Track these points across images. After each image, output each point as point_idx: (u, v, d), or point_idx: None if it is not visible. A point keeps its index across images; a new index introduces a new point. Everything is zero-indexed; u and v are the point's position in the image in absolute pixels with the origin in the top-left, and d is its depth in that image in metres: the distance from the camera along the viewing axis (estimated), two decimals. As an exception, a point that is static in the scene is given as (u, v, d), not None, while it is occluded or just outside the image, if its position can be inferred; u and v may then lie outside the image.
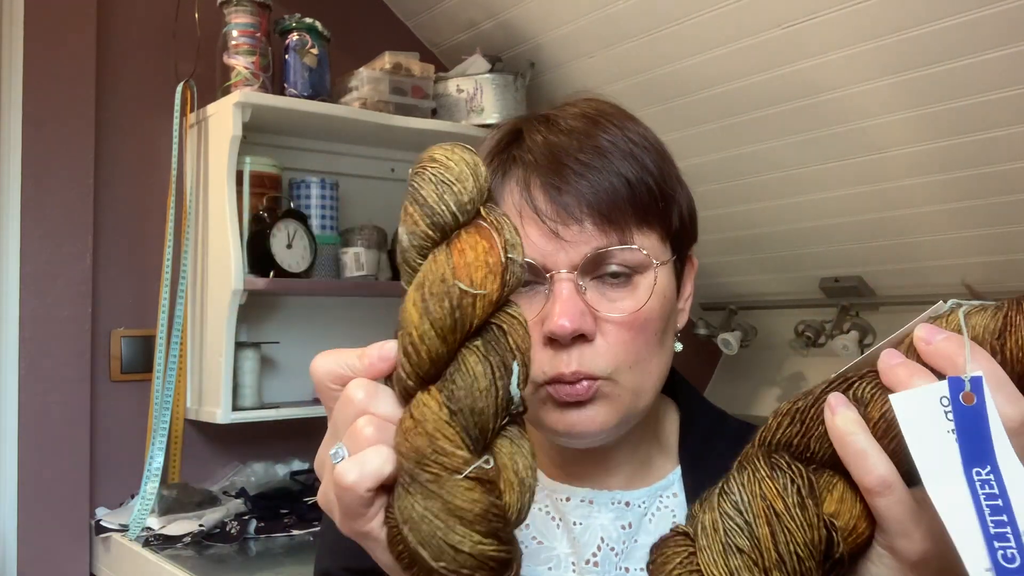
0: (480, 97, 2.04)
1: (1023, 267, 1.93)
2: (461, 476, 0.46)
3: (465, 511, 0.46)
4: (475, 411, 0.48)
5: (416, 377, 0.50)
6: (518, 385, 0.49)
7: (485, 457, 0.48)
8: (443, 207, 0.50)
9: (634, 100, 2.06)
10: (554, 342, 0.69)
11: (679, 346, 0.78)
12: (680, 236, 0.75)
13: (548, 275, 0.69)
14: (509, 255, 0.50)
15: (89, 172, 1.83)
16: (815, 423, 0.53)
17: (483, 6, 2.10)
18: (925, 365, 0.51)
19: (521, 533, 0.78)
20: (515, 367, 0.49)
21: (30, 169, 1.77)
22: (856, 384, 0.53)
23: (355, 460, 0.49)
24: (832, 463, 0.52)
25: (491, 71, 2.05)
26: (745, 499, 0.52)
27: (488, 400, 0.48)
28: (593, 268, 0.70)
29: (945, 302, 0.53)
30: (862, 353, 2.42)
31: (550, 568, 0.76)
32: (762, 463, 0.53)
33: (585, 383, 0.69)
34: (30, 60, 1.77)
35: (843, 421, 0.51)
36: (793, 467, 0.52)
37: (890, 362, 0.52)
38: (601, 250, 0.69)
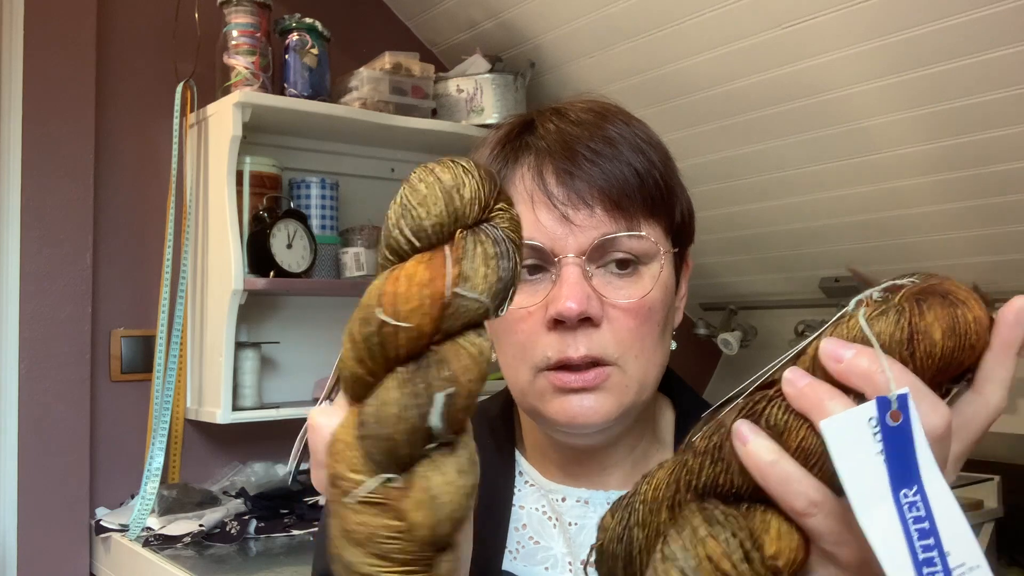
0: (480, 97, 2.04)
1: (1023, 267, 1.93)
2: (350, 500, 0.46)
3: (354, 533, 0.46)
4: (381, 437, 0.46)
5: (348, 393, 0.50)
6: (441, 417, 0.47)
7: (385, 477, 0.47)
8: (397, 232, 0.49)
9: (634, 100, 2.06)
10: (559, 325, 0.69)
11: (674, 344, 0.78)
12: (681, 232, 0.76)
13: (556, 259, 0.70)
14: (457, 289, 0.48)
15: (89, 172, 1.82)
16: (733, 457, 0.49)
17: (483, 6, 2.10)
18: (833, 383, 0.47)
19: (518, 533, 0.78)
20: (439, 398, 0.47)
21: (30, 169, 1.77)
22: (766, 409, 0.48)
23: (328, 409, 0.51)
24: (759, 495, 0.49)
25: (491, 71, 2.05)
26: (692, 564, 0.48)
27: (398, 427, 0.47)
28: (600, 255, 0.70)
29: (849, 303, 0.50)
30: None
31: (547, 568, 0.76)
32: (699, 519, 0.50)
33: (594, 372, 0.69)
34: (30, 60, 1.77)
35: (757, 450, 0.47)
36: (729, 518, 0.49)
37: (797, 384, 0.47)
38: (610, 236, 0.69)
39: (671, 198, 0.74)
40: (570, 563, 0.76)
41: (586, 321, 0.69)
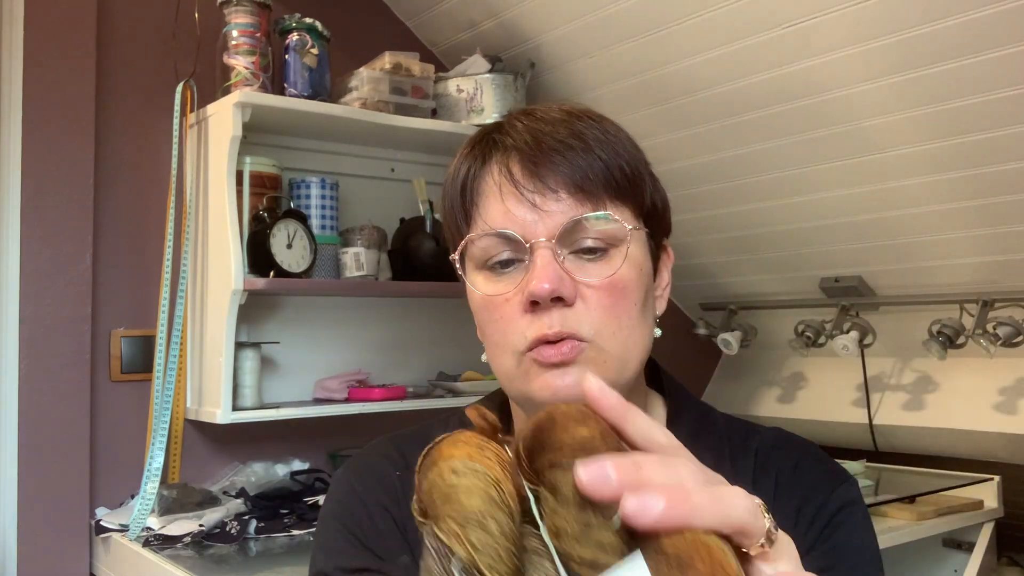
0: (480, 97, 2.04)
1: (1023, 267, 1.93)
2: None
3: None
4: None
5: None
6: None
7: None
8: None
9: (634, 100, 2.06)
10: (535, 307, 0.71)
11: (658, 331, 0.80)
12: (653, 217, 0.78)
13: (528, 245, 0.72)
14: None
15: (89, 172, 1.82)
16: None
17: (483, 6, 2.10)
18: None
19: None
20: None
21: (30, 169, 1.76)
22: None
23: None
24: None
25: (491, 71, 2.05)
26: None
27: None
28: (571, 239, 0.72)
29: None
30: (862, 353, 2.41)
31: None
32: None
33: (569, 344, 0.71)
34: (30, 60, 1.77)
35: None
36: None
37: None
38: (577, 218, 0.72)
39: (639, 183, 0.76)
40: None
41: (559, 301, 0.71)
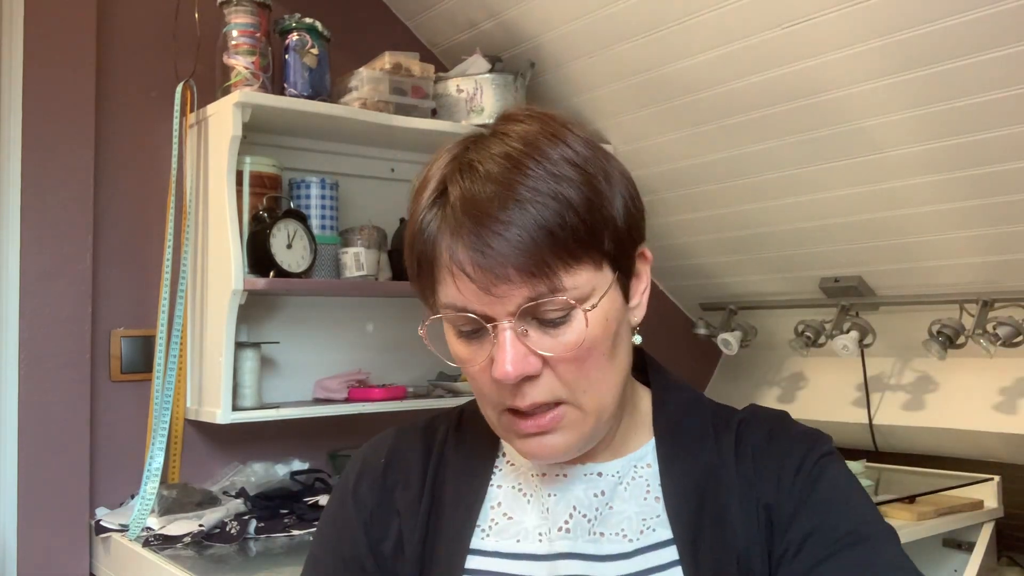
0: (480, 97, 2.04)
1: (1023, 267, 1.93)
2: None
3: None
4: None
5: None
6: None
7: None
8: None
9: (634, 100, 2.06)
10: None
11: (638, 339, 0.81)
12: (618, 253, 0.76)
13: (490, 325, 0.73)
14: None
15: (89, 172, 1.82)
16: None
17: (483, 6, 2.10)
18: None
19: (494, 511, 0.83)
20: None
21: (30, 169, 1.76)
22: None
23: None
24: None
25: (491, 71, 2.05)
26: None
27: None
28: (530, 314, 0.72)
29: None
30: (862, 353, 2.41)
31: (518, 540, 0.81)
32: None
33: (549, 415, 0.74)
34: (30, 60, 1.77)
35: None
36: None
37: None
38: (532, 301, 0.71)
39: (595, 234, 0.73)
40: (540, 534, 0.81)
41: (527, 376, 0.73)
